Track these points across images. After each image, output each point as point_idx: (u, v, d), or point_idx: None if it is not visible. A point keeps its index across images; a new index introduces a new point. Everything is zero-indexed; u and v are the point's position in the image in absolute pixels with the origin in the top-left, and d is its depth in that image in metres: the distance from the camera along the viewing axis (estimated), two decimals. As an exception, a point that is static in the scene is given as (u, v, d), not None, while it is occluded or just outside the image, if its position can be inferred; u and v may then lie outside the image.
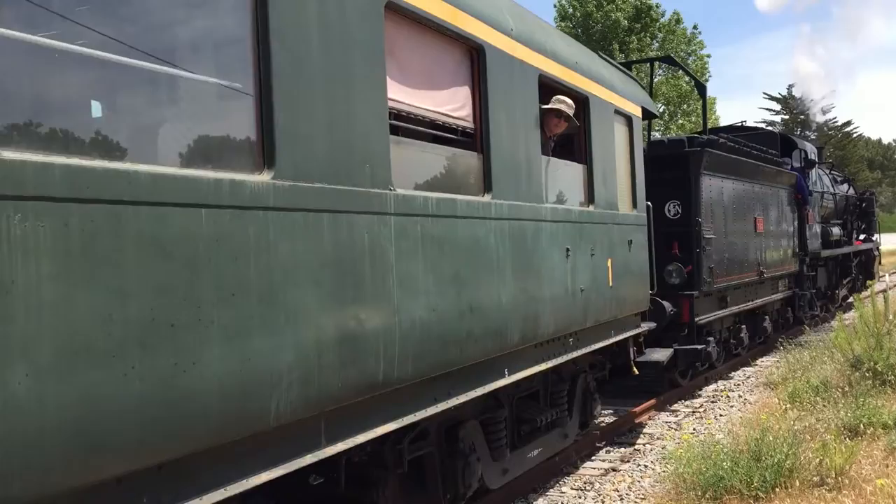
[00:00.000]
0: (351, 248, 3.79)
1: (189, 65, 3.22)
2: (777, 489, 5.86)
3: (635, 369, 8.02)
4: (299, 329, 3.44)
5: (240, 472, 3.17)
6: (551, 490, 6.98)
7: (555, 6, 38.61)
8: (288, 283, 3.38)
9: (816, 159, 17.80)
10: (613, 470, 7.53)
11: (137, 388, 2.66)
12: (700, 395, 10.81)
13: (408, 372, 4.24)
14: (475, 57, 5.19)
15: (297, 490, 4.13)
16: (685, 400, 10.57)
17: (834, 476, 5.98)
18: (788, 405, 8.68)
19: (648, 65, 17.05)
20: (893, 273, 25.80)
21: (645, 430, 9.08)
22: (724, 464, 6.04)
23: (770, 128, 27.26)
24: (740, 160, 11.86)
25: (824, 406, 8.21)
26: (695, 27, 39.73)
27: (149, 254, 2.74)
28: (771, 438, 6.33)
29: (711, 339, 10.72)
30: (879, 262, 24.78)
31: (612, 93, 7.58)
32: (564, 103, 6.33)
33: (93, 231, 2.54)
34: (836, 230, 18.73)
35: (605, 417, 9.12)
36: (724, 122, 30.33)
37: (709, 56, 41.22)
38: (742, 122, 15.44)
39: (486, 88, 5.21)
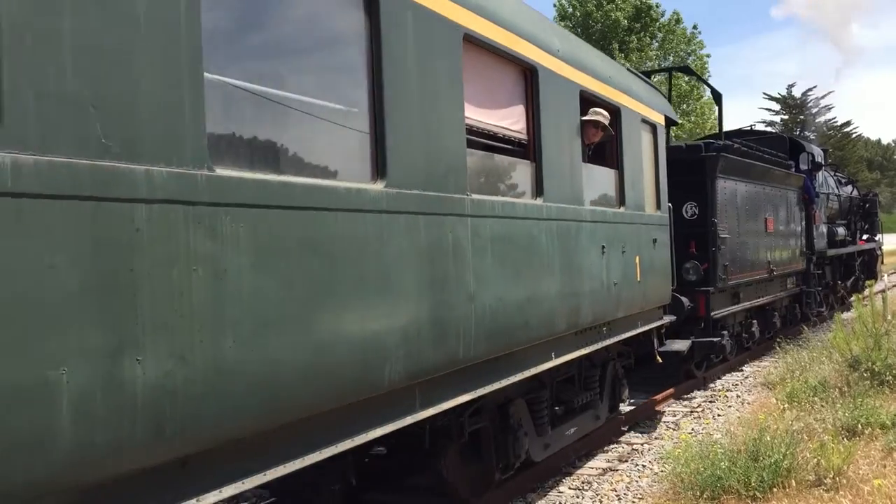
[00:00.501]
0: (440, 245, 4.48)
1: (321, 94, 3.91)
2: (775, 489, 5.86)
3: (659, 358, 8.71)
4: (404, 312, 4.14)
5: (364, 427, 3.88)
6: (550, 490, 6.98)
7: (554, 6, 38.73)
8: (396, 274, 4.08)
9: (823, 162, 18.49)
10: (611, 470, 7.54)
11: (302, 355, 3.36)
12: (712, 388, 11.47)
13: (480, 351, 4.94)
14: (528, 76, 5.89)
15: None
16: (700, 390, 11.23)
17: (831, 476, 5.98)
18: (786, 405, 8.69)
19: (665, 71, 17.94)
20: (893, 273, 26.47)
21: (663, 419, 9.69)
22: (722, 464, 6.03)
23: (772, 129, 27.87)
24: (753, 164, 12.57)
25: (822, 406, 8.23)
26: (694, 27, 39.97)
27: (305, 249, 3.44)
28: (769, 438, 6.34)
29: (725, 332, 11.41)
30: (881, 262, 25.46)
31: (640, 103, 8.27)
32: (601, 115, 7.02)
33: (270, 231, 3.24)
34: (841, 230, 19.41)
35: (627, 405, 9.80)
36: (724, 122, 30.91)
37: (708, 56, 40.84)
38: (751, 125, 16.12)
39: (537, 104, 5.90)
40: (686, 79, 36.00)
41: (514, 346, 5.46)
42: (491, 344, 5.07)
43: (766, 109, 69.29)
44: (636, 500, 6.60)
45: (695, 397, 10.73)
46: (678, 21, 38.82)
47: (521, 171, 5.85)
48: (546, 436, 6.84)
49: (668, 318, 9.07)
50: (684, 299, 10.41)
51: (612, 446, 7.85)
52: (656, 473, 7.22)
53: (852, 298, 12.23)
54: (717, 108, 13.19)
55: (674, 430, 8.94)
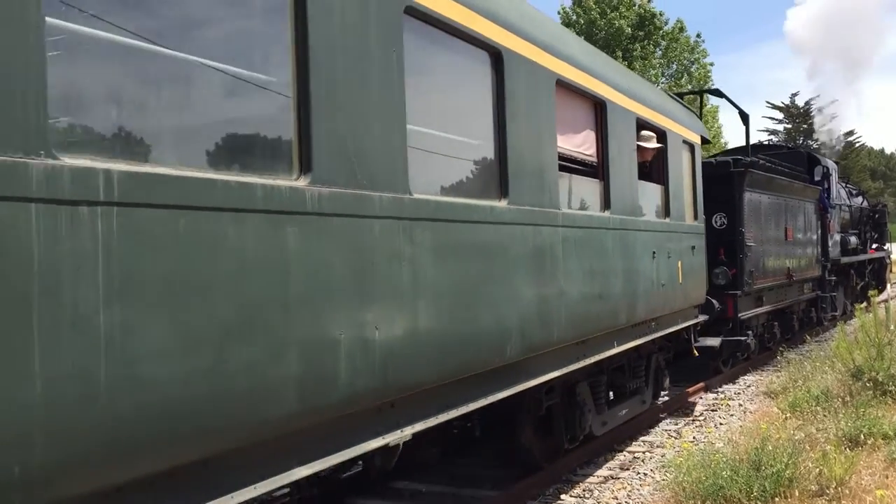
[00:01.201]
0: (542, 250, 5.62)
1: (472, 136, 5.07)
2: (776, 499, 5.85)
3: (696, 351, 9.82)
4: (520, 301, 5.28)
5: (493, 390, 5.02)
6: (550, 498, 7.03)
7: (559, 13, 38.35)
8: (514, 271, 5.22)
9: (836, 175, 19.59)
10: (613, 478, 7.57)
11: (461, 326, 4.51)
12: (738, 382, 12.53)
13: (567, 336, 6.08)
14: (599, 109, 7.03)
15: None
16: (727, 384, 12.31)
17: (834, 486, 5.96)
18: (788, 414, 8.69)
19: (696, 94, 19.10)
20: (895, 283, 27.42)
21: (665, 427, 9.69)
22: (724, 473, 6.01)
23: (775, 138, 28.70)
24: (775, 178, 13.69)
25: (825, 416, 8.22)
26: (698, 35, 39.67)
27: (462, 249, 4.59)
28: (771, 448, 6.34)
29: (750, 332, 12.50)
30: (890, 270, 26.51)
31: (682, 126, 9.40)
32: (652, 139, 8.15)
33: (445, 236, 4.39)
34: (853, 239, 20.48)
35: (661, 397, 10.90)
36: (727, 131, 31.66)
37: (712, 64, 40.25)
38: (768, 140, 17.20)
39: (605, 132, 7.04)
40: (689, 87, 36.24)
41: (589, 334, 6.60)
42: (574, 331, 6.20)
43: (770, 118, 68.90)
44: None
45: (721, 391, 11.81)
46: (682, 29, 38.67)
47: (594, 189, 6.98)
48: (604, 414, 7.96)
49: (702, 317, 10.18)
50: (714, 301, 11.52)
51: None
52: (658, 482, 7.21)
53: (865, 304, 13.18)
54: (714, 112, 14.33)
55: (675, 438, 8.92)
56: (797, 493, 5.88)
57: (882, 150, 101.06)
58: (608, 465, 8.03)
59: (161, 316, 2.69)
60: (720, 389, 11.89)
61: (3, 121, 2.30)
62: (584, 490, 7.25)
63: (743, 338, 11.98)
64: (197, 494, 2.93)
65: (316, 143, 3.47)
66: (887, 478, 6.35)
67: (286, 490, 3.63)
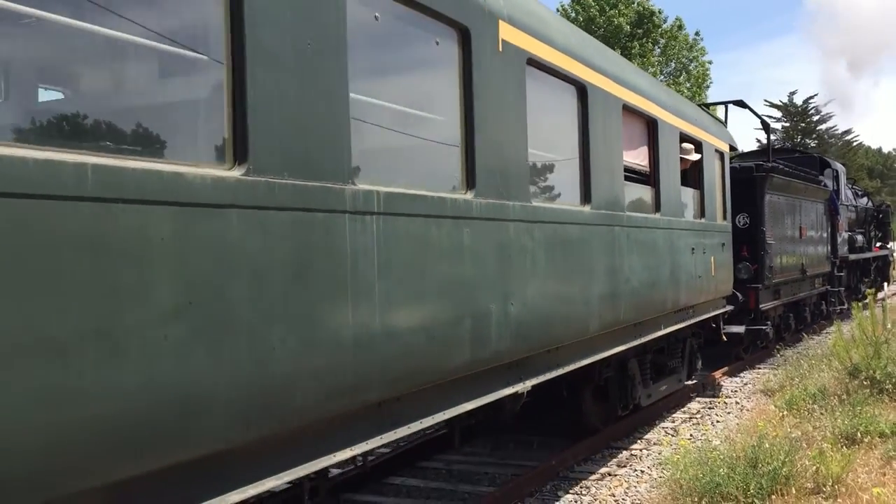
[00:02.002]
0: (611, 244, 6.88)
1: (570, 156, 6.33)
2: (773, 496, 5.88)
3: (724, 336, 11.09)
4: (599, 286, 6.54)
5: (578, 358, 6.30)
6: (548, 494, 7.08)
7: (557, 10, 38.20)
8: (595, 262, 6.49)
9: (845, 177, 20.86)
10: (610, 475, 7.63)
11: (557, 305, 5.79)
12: (757, 368, 13.76)
13: (629, 317, 7.34)
14: (651, 126, 8.29)
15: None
16: (749, 370, 13.54)
17: (830, 484, 6.01)
18: (785, 412, 8.74)
19: (722, 104, 20.40)
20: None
21: (662, 425, 9.75)
22: (721, 470, 6.05)
23: (773, 136, 29.42)
24: (792, 181, 14.94)
25: (821, 414, 8.28)
26: (697, 33, 39.70)
27: (559, 245, 5.86)
28: (767, 445, 6.36)
29: (769, 322, 13.75)
30: (893, 268, 27.80)
31: (714, 137, 10.65)
32: (692, 150, 9.41)
33: (553, 234, 5.67)
34: (859, 238, 21.74)
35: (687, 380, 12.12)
36: (729, 128, 32.15)
37: (710, 62, 40.35)
38: (775, 144, 18.43)
39: (657, 145, 8.30)
40: (687, 85, 36.66)
41: (643, 317, 7.86)
42: (633, 313, 7.47)
43: (768, 116, 69.12)
44: None
45: (744, 376, 13.05)
46: (680, 27, 38.68)
47: (647, 194, 8.24)
48: (648, 388, 9.23)
49: (729, 307, 11.44)
50: (738, 294, 12.77)
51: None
52: (654, 479, 7.28)
53: (867, 300, 13.98)
54: (713, 112, 15.60)
55: (672, 436, 8.95)
56: (794, 491, 5.91)
57: (879, 149, 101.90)
58: (605, 462, 8.04)
59: (405, 287, 3.99)
60: (740, 375, 13.15)
61: (333, 163, 3.57)
62: (581, 487, 7.24)
63: (763, 327, 13.24)
64: (411, 411, 4.21)
65: (479, 169, 4.75)
66: (884, 475, 6.36)
67: (287, 485, 3.93)
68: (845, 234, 20.14)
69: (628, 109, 7.53)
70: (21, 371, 2.34)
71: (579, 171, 6.46)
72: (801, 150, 23.50)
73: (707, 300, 10.18)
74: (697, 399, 11.23)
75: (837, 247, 18.95)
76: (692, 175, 10.07)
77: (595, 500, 6.85)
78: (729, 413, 10.08)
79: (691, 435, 8.84)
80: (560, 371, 5.87)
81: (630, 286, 7.28)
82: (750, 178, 13.17)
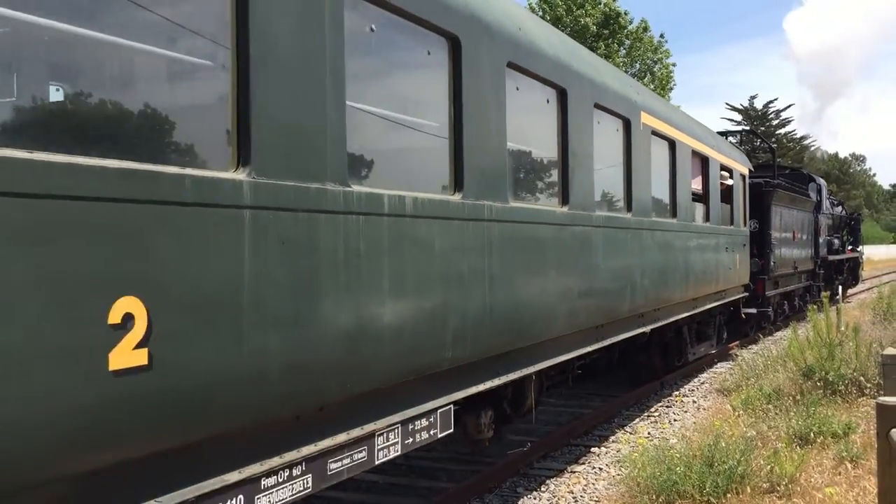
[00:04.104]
0: (671, 244, 10.18)
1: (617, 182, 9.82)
2: (728, 495, 5.92)
3: (743, 315, 14.64)
4: (681, 273, 9.99)
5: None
6: (506, 491, 7.07)
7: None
8: (680, 255, 9.93)
9: (826, 190, 24.71)
10: (568, 472, 7.63)
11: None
12: (760, 341, 17.19)
13: (690, 295, 10.78)
14: (703, 161, 11.74)
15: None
16: (750, 346, 16.98)
17: (785, 483, 6.06)
18: (741, 412, 8.90)
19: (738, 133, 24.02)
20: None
21: (621, 422, 9.74)
22: (678, 469, 6.09)
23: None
24: (791, 194, 18.62)
25: (776, 414, 8.39)
26: (661, 36, 39.96)
27: (655, 245, 9.30)
28: (724, 445, 6.42)
29: (771, 307, 17.35)
30: (862, 268, 31.81)
31: (739, 164, 14.18)
32: (728, 177, 12.92)
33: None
34: (836, 241, 25.57)
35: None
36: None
37: (674, 65, 40.62)
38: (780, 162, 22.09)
39: (707, 175, 11.77)
40: (651, 87, 36.31)
41: (698, 295, 11.32)
42: (693, 292, 10.90)
43: (728, 119, 67.70)
44: (592, 503, 6.72)
45: (752, 348, 16.54)
46: (646, 29, 38.82)
47: (700, 210, 11.71)
48: (694, 348, 12.71)
49: (746, 293, 15.01)
50: (749, 283, 16.34)
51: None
52: (612, 477, 7.31)
53: (841, 298, 16.37)
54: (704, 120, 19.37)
55: (630, 434, 9.03)
56: (749, 490, 5.99)
57: (836, 154, 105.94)
58: (564, 459, 8.12)
59: (523, 270, 6.20)
60: (749, 347, 16.66)
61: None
62: (539, 484, 7.24)
63: (767, 310, 16.84)
64: (506, 366, 7.22)
65: (572, 185, 8.16)
66: (837, 475, 6.44)
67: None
68: (825, 238, 23.89)
69: (695, 153, 11.01)
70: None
71: (624, 186, 9.86)
72: (792, 167, 27.29)
73: (733, 286, 13.71)
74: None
75: (819, 249, 22.67)
76: (726, 193, 13.59)
77: (554, 496, 6.88)
78: (686, 412, 10.27)
79: (649, 433, 8.96)
80: (668, 320, 9.35)
81: (691, 272, 10.73)
82: (760, 192, 16.76)
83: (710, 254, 11.80)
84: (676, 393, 11.41)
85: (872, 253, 52.80)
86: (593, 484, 7.18)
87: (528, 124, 6.45)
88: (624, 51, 38.21)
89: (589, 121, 7.33)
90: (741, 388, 10.37)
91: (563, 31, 35.76)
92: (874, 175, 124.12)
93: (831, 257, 24.24)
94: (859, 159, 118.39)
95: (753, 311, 15.51)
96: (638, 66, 38.58)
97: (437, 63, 5.04)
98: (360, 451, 4.24)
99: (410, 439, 4.67)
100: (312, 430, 3.90)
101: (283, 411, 3.66)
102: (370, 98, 4.61)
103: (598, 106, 7.54)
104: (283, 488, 3.70)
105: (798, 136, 70.11)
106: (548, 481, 7.28)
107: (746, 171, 14.89)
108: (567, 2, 36.55)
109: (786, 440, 7.31)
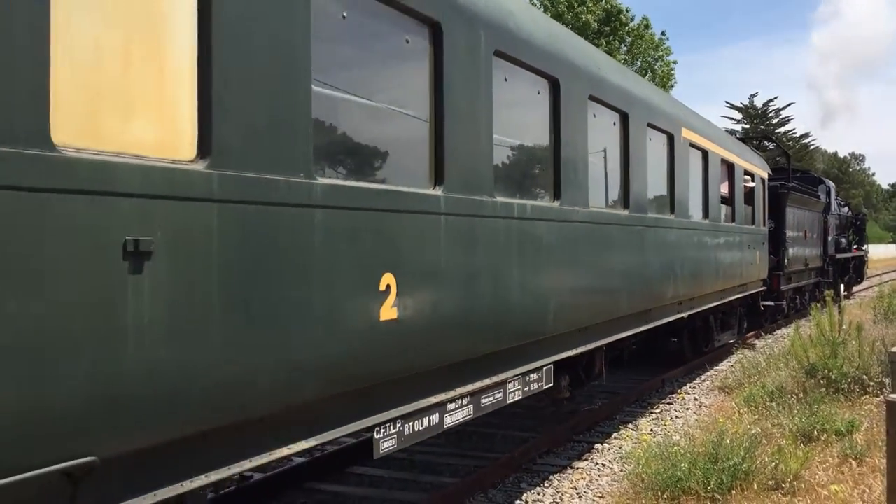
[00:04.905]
0: (704, 241, 11.64)
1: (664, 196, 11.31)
2: (733, 491, 5.91)
3: (762, 307, 16.11)
4: (713, 267, 11.48)
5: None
6: (510, 486, 7.08)
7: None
8: (713, 252, 11.42)
9: (834, 192, 26.14)
10: (571, 468, 7.63)
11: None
12: (776, 333, 18.67)
13: (717, 287, 12.26)
14: (730, 168, 13.21)
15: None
16: (767, 335, 18.45)
17: (789, 480, 6.07)
18: (744, 409, 8.89)
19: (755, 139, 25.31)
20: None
21: (624, 419, 9.72)
22: (682, 465, 6.09)
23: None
24: (803, 196, 20.09)
25: (779, 412, 8.40)
26: (663, 33, 39.88)
27: (689, 243, 10.79)
28: (728, 441, 6.43)
29: (785, 300, 18.80)
30: (866, 266, 33.21)
31: (760, 168, 15.65)
32: (750, 180, 14.39)
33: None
34: (843, 240, 27.00)
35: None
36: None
37: (675, 62, 40.30)
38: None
39: (733, 180, 13.25)
40: (655, 81, 36.81)
41: (725, 287, 12.80)
42: (721, 285, 12.37)
43: (728, 118, 67.30)
44: (597, 499, 6.66)
45: (769, 337, 18.01)
46: (647, 27, 38.67)
47: (727, 211, 13.17)
48: (719, 335, 14.19)
49: (764, 288, 16.48)
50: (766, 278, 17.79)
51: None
52: (616, 473, 7.32)
53: (847, 295, 17.52)
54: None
55: (633, 430, 9.04)
56: (755, 487, 6.01)
57: (835, 154, 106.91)
58: (567, 454, 8.15)
59: (600, 261, 8.82)
60: (767, 337, 18.13)
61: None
62: (542, 479, 7.27)
63: (782, 303, 18.30)
64: (585, 338, 9.07)
65: (631, 192, 9.66)
66: (842, 473, 6.46)
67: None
68: (833, 238, 25.33)
69: (723, 161, 12.50)
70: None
71: (668, 192, 11.37)
72: (802, 169, 28.80)
73: (754, 280, 15.19)
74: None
75: (828, 247, 24.10)
76: (749, 195, 15.06)
77: (557, 492, 6.91)
78: (688, 409, 10.32)
79: (651, 430, 8.99)
80: (701, 308, 10.83)
81: (720, 267, 12.21)
82: (776, 194, 18.22)
83: (735, 250, 13.27)
84: (679, 390, 11.53)
85: (871, 252, 53.91)
86: (597, 480, 7.24)
87: (603, 143, 7.91)
88: (625, 48, 38.09)
89: (643, 138, 8.80)
90: (743, 385, 10.51)
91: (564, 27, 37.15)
92: (873, 174, 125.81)
93: (839, 255, 25.69)
94: (858, 159, 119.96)
95: (771, 303, 16.99)
96: (639, 63, 38.51)
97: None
98: (499, 393, 5.73)
99: (527, 388, 6.16)
100: (472, 374, 5.39)
101: (461, 357, 5.16)
102: (509, 129, 6.08)
103: (650, 125, 9.01)
104: (457, 412, 5.20)
105: (798, 134, 70.07)
106: (551, 477, 7.33)
107: (766, 175, 16.36)
108: (568, -2, 36.26)
109: (790, 437, 7.37)
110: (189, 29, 3.22)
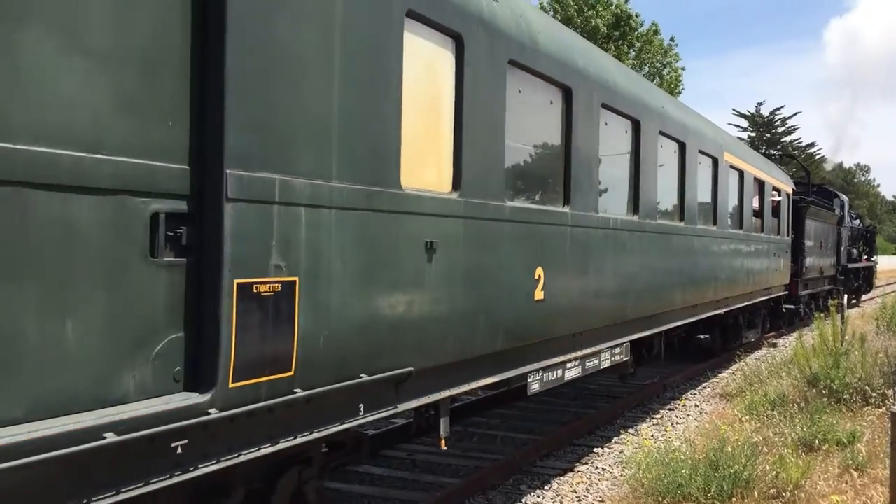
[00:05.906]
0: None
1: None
2: (734, 499, 5.88)
3: (784, 309, 17.94)
4: (745, 273, 13.34)
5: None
6: (510, 488, 7.12)
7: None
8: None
9: (847, 205, 27.93)
10: (572, 471, 7.67)
11: (735, 277, 12.64)
12: (794, 334, 20.42)
13: (747, 291, 14.10)
14: (760, 185, 15.05)
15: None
16: (785, 336, 20.25)
17: (790, 489, 6.04)
18: (745, 417, 8.87)
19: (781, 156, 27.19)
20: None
21: (625, 423, 9.85)
22: (683, 471, 6.10)
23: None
24: (820, 210, 21.90)
25: (780, 420, 8.36)
26: (672, 39, 39.99)
27: (741, 255, 12.67)
28: (729, 449, 6.44)
29: (802, 304, 20.61)
30: (875, 276, 34.89)
31: (785, 184, 17.50)
32: (777, 195, 16.24)
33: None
34: (854, 251, 28.76)
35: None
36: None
37: (683, 68, 40.18)
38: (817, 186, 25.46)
39: (762, 195, 15.10)
40: (662, 87, 37.28)
41: (753, 289, 14.63)
42: (750, 288, 14.20)
43: (735, 126, 67.62)
44: (596, 503, 6.74)
45: (789, 335, 19.82)
46: (656, 32, 38.63)
47: (756, 222, 15.00)
48: (746, 333, 16.02)
49: (786, 292, 18.32)
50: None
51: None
52: (616, 477, 7.36)
53: (852, 306, 18.89)
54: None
55: (634, 435, 9.06)
56: (755, 495, 5.96)
57: (841, 164, 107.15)
58: (567, 458, 8.20)
59: (663, 264, 10.69)
60: (787, 336, 19.94)
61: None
62: (542, 482, 7.31)
63: (800, 307, 20.12)
64: (648, 324, 10.95)
65: (687, 207, 11.54)
66: (845, 483, 6.45)
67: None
68: (845, 248, 27.12)
69: (755, 179, 14.37)
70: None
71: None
72: (819, 184, 30.65)
73: (777, 285, 17.03)
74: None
75: (841, 257, 25.89)
76: (775, 208, 16.91)
77: (557, 495, 6.94)
78: (689, 416, 10.38)
79: (652, 435, 8.97)
80: (735, 307, 12.70)
81: (750, 271, 14.05)
82: (796, 207, 20.04)
83: (764, 258, 15.12)
84: (680, 397, 11.67)
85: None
86: (597, 484, 7.34)
87: (668, 168, 9.78)
88: (634, 53, 38.06)
89: (695, 163, 10.67)
90: (744, 393, 10.57)
91: (573, 31, 36.33)
92: (878, 185, 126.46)
93: (850, 265, 27.50)
94: (864, 169, 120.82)
95: (792, 306, 18.84)
96: (647, 68, 38.39)
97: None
98: (594, 360, 7.62)
99: (614, 358, 8.05)
100: (578, 344, 7.28)
101: (576, 329, 7.05)
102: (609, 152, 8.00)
103: (700, 152, 10.88)
104: (571, 370, 7.11)
105: (803, 143, 70.12)
106: (551, 480, 7.45)
107: (790, 190, 18.20)
108: (578, 2, 36.17)
109: (791, 447, 7.37)
110: (449, 111, 5.15)
